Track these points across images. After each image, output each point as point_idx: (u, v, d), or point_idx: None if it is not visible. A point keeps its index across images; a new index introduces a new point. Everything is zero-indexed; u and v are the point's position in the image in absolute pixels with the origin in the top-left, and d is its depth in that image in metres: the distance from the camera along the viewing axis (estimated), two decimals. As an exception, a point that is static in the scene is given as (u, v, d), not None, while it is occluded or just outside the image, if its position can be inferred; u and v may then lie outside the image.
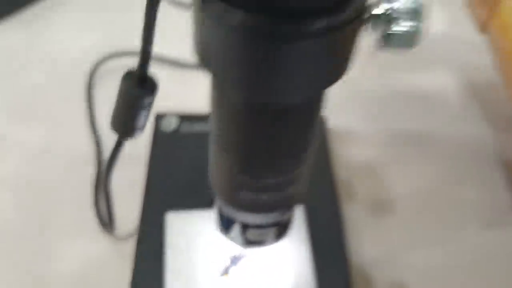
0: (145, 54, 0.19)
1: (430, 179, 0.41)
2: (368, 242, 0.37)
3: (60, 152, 0.40)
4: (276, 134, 0.21)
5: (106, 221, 0.34)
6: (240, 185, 0.23)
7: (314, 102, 0.21)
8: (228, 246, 0.31)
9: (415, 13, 0.18)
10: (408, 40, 0.19)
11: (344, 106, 0.45)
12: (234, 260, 0.32)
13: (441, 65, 0.50)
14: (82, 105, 0.44)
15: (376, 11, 0.19)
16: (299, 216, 0.34)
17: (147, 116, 0.21)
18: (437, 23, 0.54)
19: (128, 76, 0.21)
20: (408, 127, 0.44)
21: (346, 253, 0.33)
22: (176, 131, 0.38)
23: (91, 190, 0.38)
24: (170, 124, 0.38)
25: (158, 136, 0.37)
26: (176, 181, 0.35)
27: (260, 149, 0.21)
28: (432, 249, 0.37)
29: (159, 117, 0.38)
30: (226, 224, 0.27)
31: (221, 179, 0.24)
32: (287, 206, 0.26)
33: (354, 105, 0.46)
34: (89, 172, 0.39)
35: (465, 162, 0.42)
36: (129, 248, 0.34)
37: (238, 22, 0.16)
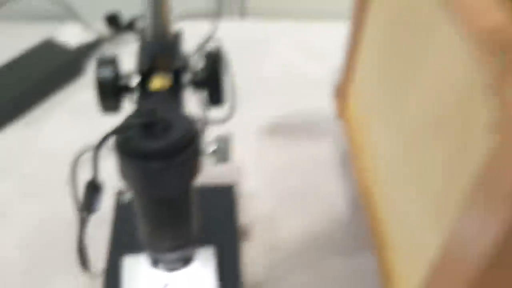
0: (95, 174, 0.38)
1: (307, 224, 0.59)
2: (261, 269, 0.55)
3: (53, 218, 0.58)
4: (168, 213, 0.39)
5: (84, 264, 0.52)
6: (153, 240, 0.41)
7: (185, 195, 0.39)
8: (161, 274, 0.49)
9: (225, 149, 0.38)
10: (224, 160, 0.38)
11: (252, 175, 0.64)
12: (166, 284, 0.50)
13: (325, 137, 0.69)
14: (68, 184, 0.62)
15: (208, 149, 0.38)
16: (210, 254, 0.52)
17: (99, 204, 0.40)
18: (327, 103, 0.73)
19: (88, 184, 0.39)
20: (296, 186, 0.63)
21: (241, 278, 0.51)
22: (130, 202, 0.56)
23: (76, 243, 0.56)
24: (126, 198, 0.56)
25: (118, 206, 0.56)
26: (130, 235, 0.53)
27: (160, 222, 0.40)
28: (307, 273, 0.55)
29: (119, 193, 0.57)
30: (154, 261, 0.46)
31: (143, 237, 0.42)
32: (185, 248, 0.44)
33: (258, 174, 0.65)
34: (73, 231, 0.57)
35: (332, 211, 0.61)
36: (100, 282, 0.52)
37: (133, 168, 0.35)
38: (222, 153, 0.38)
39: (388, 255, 0.47)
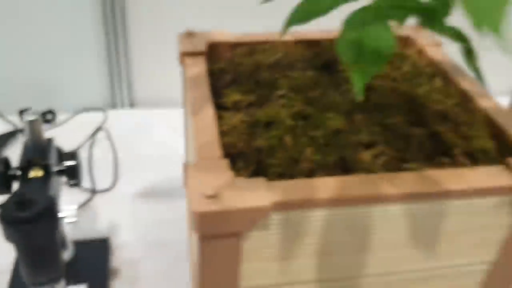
0: None
1: (165, 265, 0.82)
2: (125, 298, 0.77)
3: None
4: (36, 257, 0.61)
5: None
6: (30, 277, 0.63)
7: (48, 244, 0.61)
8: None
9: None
10: (74, 223, 0.61)
11: (126, 230, 0.87)
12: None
13: (184, 200, 0.92)
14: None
15: (62, 215, 0.60)
16: (84, 288, 0.74)
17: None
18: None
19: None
20: (160, 237, 0.86)
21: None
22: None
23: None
24: (25, 251, 0.78)
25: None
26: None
27: (32, 263, 0.62)
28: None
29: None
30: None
31: (25, 275, 0.64)
32: (56, 283, 0.66)
33: (131, 229, 0.87)
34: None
35: (183, 255, 0.84)
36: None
37: (9, 229, 0.57)
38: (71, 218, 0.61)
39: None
